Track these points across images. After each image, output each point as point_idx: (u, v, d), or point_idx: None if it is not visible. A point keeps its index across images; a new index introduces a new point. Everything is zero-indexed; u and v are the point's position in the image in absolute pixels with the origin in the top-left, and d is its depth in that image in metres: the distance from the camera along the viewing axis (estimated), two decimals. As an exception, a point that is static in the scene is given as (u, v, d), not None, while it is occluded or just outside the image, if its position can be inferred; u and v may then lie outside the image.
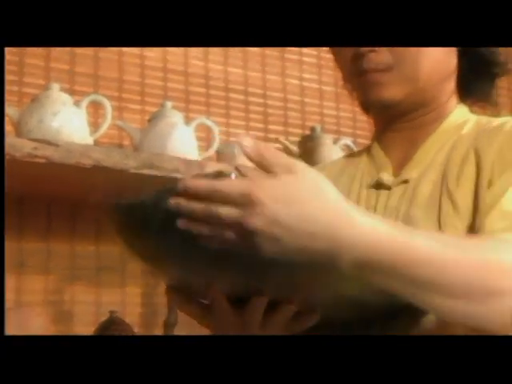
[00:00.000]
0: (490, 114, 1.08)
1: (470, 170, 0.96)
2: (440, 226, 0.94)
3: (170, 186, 0.73)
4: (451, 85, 1.05)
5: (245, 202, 0.71)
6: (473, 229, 0.92)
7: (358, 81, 1.01)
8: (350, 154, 1.18)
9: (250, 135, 0.78)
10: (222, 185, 0.73)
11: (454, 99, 1.06)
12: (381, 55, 0.98)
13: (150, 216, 0.75)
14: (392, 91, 0.99)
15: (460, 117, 1.05)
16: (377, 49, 0.98)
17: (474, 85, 1.07)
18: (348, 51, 1.01)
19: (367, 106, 1.07)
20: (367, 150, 1.10)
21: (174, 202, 0.73)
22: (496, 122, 1.01)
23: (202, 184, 0.73)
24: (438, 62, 1.01)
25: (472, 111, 1.08)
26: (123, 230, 0.80)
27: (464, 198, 0.94)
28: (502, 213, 0.89)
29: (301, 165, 0.74)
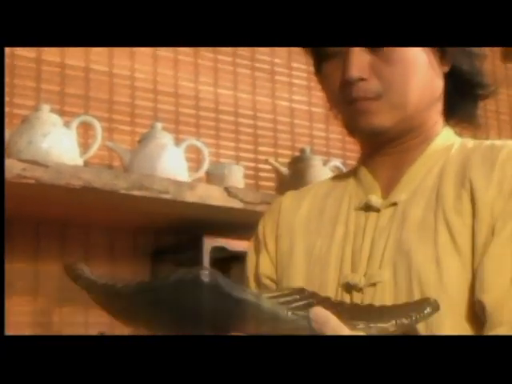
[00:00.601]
0: (478, 137, 1.09)
1: (466, 202, 0.95)
2: (438, 254, 0.93)
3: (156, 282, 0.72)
4: (438, 109, 1.06)
5: None
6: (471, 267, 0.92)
7: (347, 109, 1.02)
8: (336, 176, 1.18)
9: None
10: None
11: (440, 122, 1.07)
12: (370, 83, 0.99)
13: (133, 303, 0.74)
14: (381, 119, 1.00)
15: (446, 139, 1.05)
16: (366, 77, 0.98)
17: (458, 106, 1.08)
18: (336, 79, 1.01)
19: (356, 133, 1.07)
20: (353, 172, 1.10)
21: None
22: (483, 146, 1.01)
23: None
24: (425, 89, 1.02)
25: (456, 132, 1.09)
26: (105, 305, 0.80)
27: (462, 231, 0.94)
28: None
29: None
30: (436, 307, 0.83)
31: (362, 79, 0.98)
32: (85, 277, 0.82)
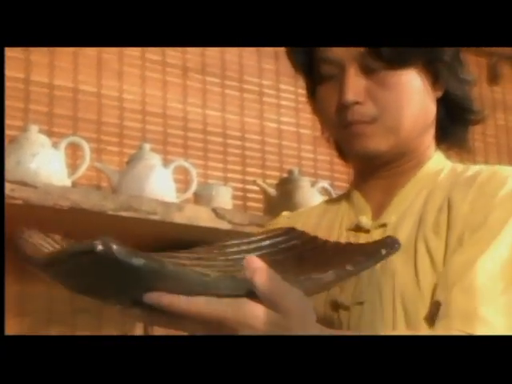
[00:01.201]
0: (465, 159, 1.10)
1: (444, 221, 0.98)
2: (417, 273, 0.96)
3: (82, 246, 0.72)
4: (431, 133, 1.07)
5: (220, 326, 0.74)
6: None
7: (343, 132, 1.02)
8: (329, 200, 1.19)
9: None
10: (197, 308, 0.74)
11: (432, 146, 1.08)
12: (365, 107, 1.00)
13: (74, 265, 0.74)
14: (377, 143, 1.01)
15: (437, 164, 1.07)
16: (361, 101, 0.99)
17: (449, 130, 1.09)
18: (331, 102, 1.02)
19: (350, 156, 1.08)
20: (346, 195, 1.11)
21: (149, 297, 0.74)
22: (470, 171, 1.03)
23: (177, 304, 0.74)
24: (420, 114, 1.03)
25: (447, 156, 1.10)
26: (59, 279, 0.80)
27: (439, 249, 0.96)
28: (468, 288, 0.90)
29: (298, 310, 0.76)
30: (393, 248, 0.86)
31: (358, 103, 0.99)
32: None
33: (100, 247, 0.69)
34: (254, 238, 0.97)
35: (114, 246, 0.70)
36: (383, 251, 0.87)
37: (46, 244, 0.83)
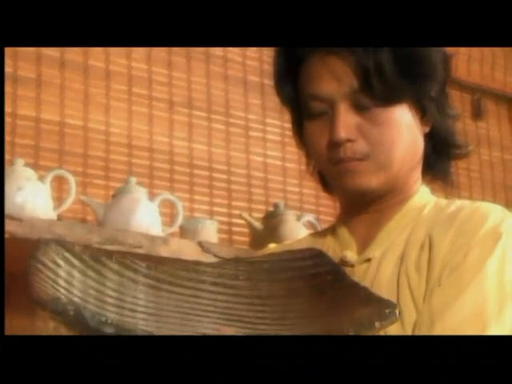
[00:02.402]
0: (450, 194, 1.11)
1: (425, 258, 0.98)
2: (400, 308, 0.95)
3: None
4: (419, 169, 1.08)
5: None
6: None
7: (333, 168, 1.02)
8: (315, 234, 1.19)
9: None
10: None
11: (419, 181, 1.09)
12: (357, 144, 1.00)
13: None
14: (368, 180, 1.01)
15: (422, 199, 1.07)
16: (353, 138, 0.99)
17: (433, 164, 1.10)
18: (322, 139, 1.02)
19: (340, 192, 1.08)
20: (332, 229, 1.12)
21: None
22: (452, 206, 1.03)
23: None
24: (410, 149, 1.03)
25: (431, 189, 1.11)
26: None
27: (419, 285, 0.96)
28: (447, 329, 0.91)
29: None
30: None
31: (350, 140, 0.99)
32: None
33: (72, 313, 0.74)
34: (284, 257, 0.96)
35: (86, 314, 0.74)
36: (387, 310, 0.86)
37: (48, 282, 0.85)
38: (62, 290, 0.83)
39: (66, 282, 0.85)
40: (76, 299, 0.82)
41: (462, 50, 2.78)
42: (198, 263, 0.96)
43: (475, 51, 2.85)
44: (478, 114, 2.82)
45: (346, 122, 0.99)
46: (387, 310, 0.83)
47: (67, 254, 0.87)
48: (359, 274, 1.01)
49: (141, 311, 0.88)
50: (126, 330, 0.75)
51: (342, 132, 0.99)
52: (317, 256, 0.95)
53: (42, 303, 0.77)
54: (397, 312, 0.83)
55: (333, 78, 1.00)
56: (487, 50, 2.89)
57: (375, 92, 0.98)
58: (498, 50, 2.92)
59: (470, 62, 2.83)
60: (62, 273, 0.86)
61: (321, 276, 0.93)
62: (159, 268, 0.92)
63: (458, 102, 2.70)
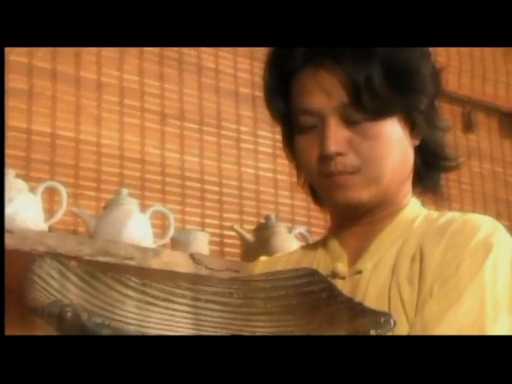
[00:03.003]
0: (440, 206, 1.11)
1: (416, 270, 0.98)
2: None
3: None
4: (409, 182, 1.08)
5: None
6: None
7: (324, 182, 1.03)
8: (307, 246, 1.19)
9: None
10: None
11: (410, 193, 1.09)
12: (348, 158, 1.00)
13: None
14: (359, 193, 1.01)
15: (413, 211, 1.07)
16: (344, 152, 1.00)
17: (424, 176, 1.10)
18: (312, 152, 1.02)
19: (331, 206, 1.08)
20: (323, 241, 1.12)
21: None
22: (443, 218, 1.04)
23: None
24: (400, 163, 1.04)
25: (422, 201, 1.11)
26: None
27: (411, 297, 0.96)
28: None
29: None
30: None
31: (340, 154, 1.00)
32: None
33: (69, 314, 0.74)
34: (278, 276, 0.96)
35: (83, 316, 0.74)
36: (382, 318, 0.87)
37: (43, 292, 0.85)
38: (59, 297, 0.84)
39: (60, 294, 0.85)
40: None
41: (453, 63, 2.79)
42: (193, 282, 0.96)
43: (466, 65, 2.86)
44: (468, 126, 2.83)
45: (337, 135, 1.00)
46: (382, 319, 0.84)
47: (62, 268, 0.87)
48: (350, 286, 1.01)
49: (133, 324, 0.88)
50: (123, 331, 0.75)
51: (333, 146, 0.99)
52: (311, 275, 0.96)
53: (38, 309, 0.77)
54: (391, 321, 0.84)
55: (323, 92, 1.00)
56: (478, 64, 2.90)
57: (365, 106, 0.99)
58: (489, 64, 2.94)
59: (460, 76, 2.84)
60: (56, 285, 0.86)
61: (315, 293, 0.94)
62: (154, 285, 0.93)
63: (449, 114, 2.71)
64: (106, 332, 0.74)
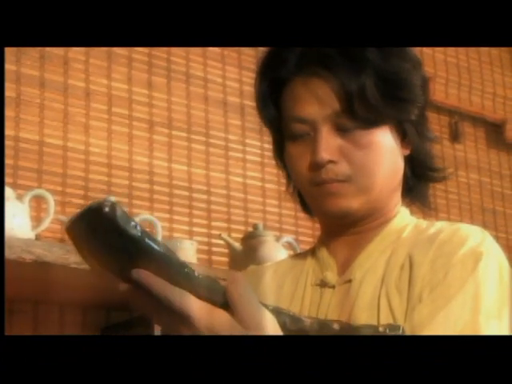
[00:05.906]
0: (428, 215, 1.12)
1: (405, 279, 0.98)
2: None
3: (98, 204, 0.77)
4: (399, 191, 1.09)
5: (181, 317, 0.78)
6: None
7: (314, 190, 1.03)
8: (296, 255, 1.19)
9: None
10: (170, 296, 0.78)
11: (399, 203, 1.09)
12: (339, 166, 1.00)
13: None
14: (349, 202, 1.01)
15: (402, 220, 1.08)
16: (335, 160, 1.00)
17: (412, 186, 1.10)
18: (303, 160, 1.02)
19: (320, 214, 1.08)
20: (312, 250, 1.12)
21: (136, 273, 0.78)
22: (432, 228, 1.04)
23: (155, 285, 0.78)
24: (391, 172, 1.04)
25: (411, 211, 1.11)
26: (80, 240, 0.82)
27: (400, 306, 0.97)
28: None
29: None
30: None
31: (332, 162, 1.00)
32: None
33: (106, 209, 0.76)
34: None
35: (119, 212, 0.76)
36: (381, 329, 0.87)
37: None
38: None
39: None
40: None
41: (440, 73, 2.81)
42: None
43: (453, 75, 2.88)
44: (455, 136, 2.84)
45: (328, 143, 1.00)
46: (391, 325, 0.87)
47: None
48: (340, 296, 1.01)
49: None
50: (151, 237, 0.78)
51: (324, 153, 0.99)
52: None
53: (79, 212, 0.77)
54: (401, 327, 0.86)
55: (315, 100, 1.00)
56: (464, 74, 2.92)
57: (357, 115, 0.99)
58: (476, 75, 2.96)
59: (447, 86, 2.86)
60: None
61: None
62: None
63: (436, 124, 2.73)
64: (134, 232, 0.77)
